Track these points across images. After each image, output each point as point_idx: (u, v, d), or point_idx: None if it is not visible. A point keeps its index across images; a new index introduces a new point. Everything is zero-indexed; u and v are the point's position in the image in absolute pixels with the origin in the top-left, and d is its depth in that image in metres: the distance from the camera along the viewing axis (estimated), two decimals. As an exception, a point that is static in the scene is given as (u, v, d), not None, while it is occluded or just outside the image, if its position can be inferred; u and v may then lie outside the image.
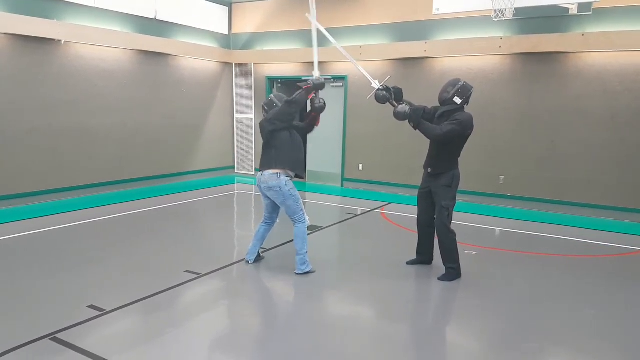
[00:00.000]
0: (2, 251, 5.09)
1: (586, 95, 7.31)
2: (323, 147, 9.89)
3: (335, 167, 9.77)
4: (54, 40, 7.25)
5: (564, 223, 6.99)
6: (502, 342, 3.46)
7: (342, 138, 9.57)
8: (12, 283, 4.21)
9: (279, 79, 10.28)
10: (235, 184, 9.78)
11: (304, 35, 9.66)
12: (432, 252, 4.90)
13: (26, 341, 3.16)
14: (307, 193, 9.09)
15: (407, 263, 4.97)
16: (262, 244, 4.94)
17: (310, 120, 4.92)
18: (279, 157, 4.42)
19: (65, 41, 7.39)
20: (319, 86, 4.47)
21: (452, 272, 4.55)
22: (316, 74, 4.56)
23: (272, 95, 4.79)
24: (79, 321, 3.46)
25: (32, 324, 3.42)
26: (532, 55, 7.58)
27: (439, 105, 4.53)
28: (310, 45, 9.56)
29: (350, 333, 3.55)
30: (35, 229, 5.84)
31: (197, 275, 4.48)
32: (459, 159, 4.57)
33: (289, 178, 4.46)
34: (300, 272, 4.61)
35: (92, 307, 3.70)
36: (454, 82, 4.40)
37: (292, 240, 5.25)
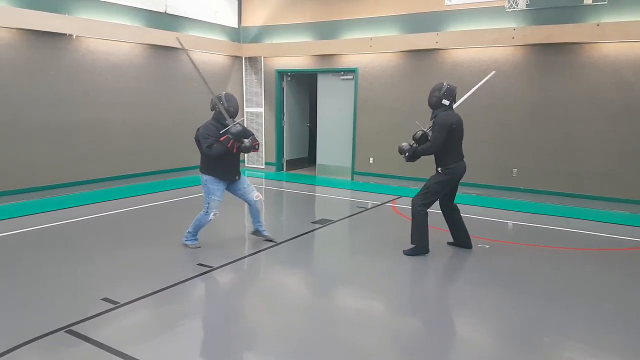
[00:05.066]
0: (18, 244, 5.15)
1: (601, 86, 7.19)
2: (333, 140, 9.85)
3: (346, 161, 9.73)
4: (65, 34, 7.28)
5: (578, 216, 6.90)
6: (517, 336, 3.42)
7: (352, 131, 9.52)
8: (28, 276, 4.24)
9: (289, 72, 10.24)
10: (245, 178, 9.77)
11: (314, 28, 9.60)
12: (466, 236, 5.18)
13: (42, 333, 3.18)
14: (317, 187, 9.07)
15: (448, 243, 5.34)
16: (257, 220, 5.31)
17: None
18: (209, 165, 4.84)
19: (76, 36, 7.41)
20: (237, 135, 4.66)
21: (417, 247, 4.92)
22: (234, 123, 4.72)
23: (223, 93, 4.89)
24: (93, 314, 3.48)
25: (48, 316, 3.45)
26: (546, 46, 7.47)
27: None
28: (321, 37, 9.55)
29: (363, 326, 3.53)
30: (49, 222, 5.90)
31: (209, 269, 4.49)
32: (465, 151, 4.99)
33: (210, 177, 4.86)
34: (184, 242, 5.11)
35: (106, 299, 3.72)
36: (439, 87, 4.79)
37: (301, 235, 5.30)
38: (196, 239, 5.11)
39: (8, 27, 6.65)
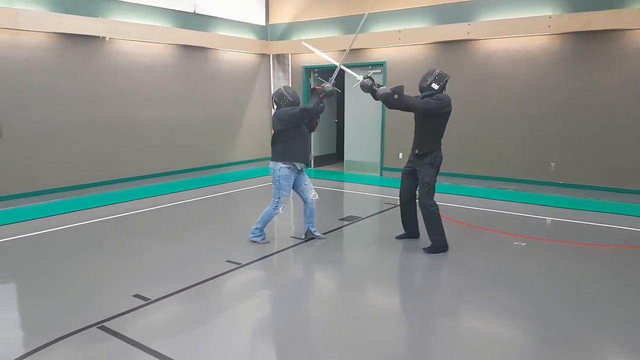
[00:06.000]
0: (54, 242, 5.28)
1: (644, 75, 6.85)
2: (361, 136, 9.75)
3: (374, 156, 9.61)
4: (98, 37, 7.44)
5: (620, 212, 6.58)
6: (554, 337, 3.28)
7: (380, 126, 9.39)
8: (63, 273, 4.34)
9: (316, 68, 10.19)
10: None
11: (341, 22, 9.51)
12: (417, 226, 5.27)
13: (75, 329, 3.24)
14: (345, 183, 9.00)
15: (397, 237, 5.35)
16: (310, 221, 5.28)
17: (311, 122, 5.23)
18: (285, 152, 4.89)
19: (109, 38, 7.57)
20: (330, 94, 4.92)
21: (436, 244, 4.88)
22: (329, 84, 4.94)
23: (282, 88, 5.08)
24: (125, 310, 3.52)
25: (82, 312, 3.51)
26: (584, 34, 7.15)
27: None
28: (348, 32, 9.45)
29: (392, 324, 3.46)
30: (84, 220, 6.03)
31: (238, 265, 4.49)
32: (442, 140, 4.94)
33: (287, 167, 4.91)
34: (251, 238, 5.16)
35: (137, 296, 3.77)
36: (431, 72, 4.86)
37: (328, 232, 5.33)
38: (264, 234, 5.18)
39: (45, 31, 6.85)
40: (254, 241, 5.13)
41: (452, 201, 7.02)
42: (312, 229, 5.31)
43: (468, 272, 4.49)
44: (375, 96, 4.75)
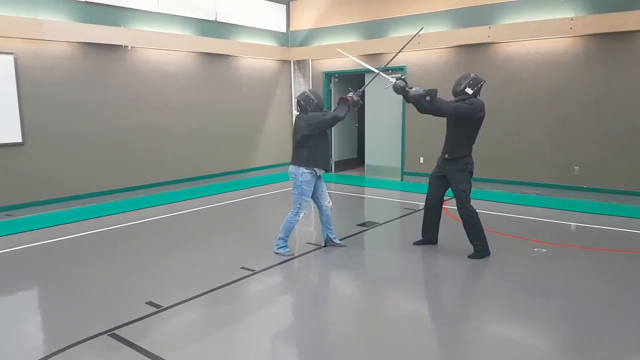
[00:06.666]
0: (73, 248, 5.41)
1: (673, 76, 6.60)
2: (382, 140, 9.69)
3: (395, 161, 9.55)
4: (121, 46, 7.64)
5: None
6: (572, 347, 3.18)
7: (401, 130, 9.33)
8: (76, 280, 4.43)
9: (336, 73, 10.20)
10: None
11: (362, 27, 9.50)
12: (437, 232, 5.20)
13: (86, 337, 3.28)
14: (365, 188, 8.95)
15: (414, 244, 5.28)
16: (327, 227, 5.22)
17: None
18: (310, 157, 4.84)
19: (131, 47, 7.76)
20: (357, 104, 4.96)
21: (480, 249, 4.83)
22: (355, 93, 4.98)
23: (307, 91, 5.02)
24: (137, 317, 3.58)
25: (94, 319, 3.56)
26: (609, 36, 6.95)
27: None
28: (368, 37, 9.42)
29: (411, 330, 3.42)
30: (102, 227, 6.15)
31: (252, 272, 4.52)
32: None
33: (309, 172, 4.85)
34: (275, 250, 5.05)
35: (150, 303, 3.82)
36: (466, 76, 4.79)
37: (344, 239, 5.30)
38: (287, 246, 5.06)
39: (70, 41, 7.07)
40: (279, 253, 5.01)
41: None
42: (332, 236, 5.27)
43: (488, 277, 4.40)
44: (408, 97, 4.66)
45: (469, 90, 4.68)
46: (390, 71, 9.27)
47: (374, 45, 9.19)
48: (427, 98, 4.56)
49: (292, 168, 4.94)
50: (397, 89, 4.73)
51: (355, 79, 10.48)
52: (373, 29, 9.31)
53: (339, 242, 5.32)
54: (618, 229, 5.85)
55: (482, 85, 4.71)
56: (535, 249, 5.10)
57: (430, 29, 8.54)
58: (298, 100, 4.94)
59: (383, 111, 9.57)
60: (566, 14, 7.16)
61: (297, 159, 4.88)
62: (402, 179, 9.47)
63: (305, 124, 4.78)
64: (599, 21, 6.86)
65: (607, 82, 7.11)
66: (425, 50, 8.68)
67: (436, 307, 3.98)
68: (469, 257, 4.85)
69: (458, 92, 4.75)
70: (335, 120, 4.74)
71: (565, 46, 7.36)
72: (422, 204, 7.38)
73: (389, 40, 8.97)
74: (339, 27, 9.81)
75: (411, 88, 4.67)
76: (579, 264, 4.71)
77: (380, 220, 6.45)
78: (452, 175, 4.81)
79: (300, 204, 4.94)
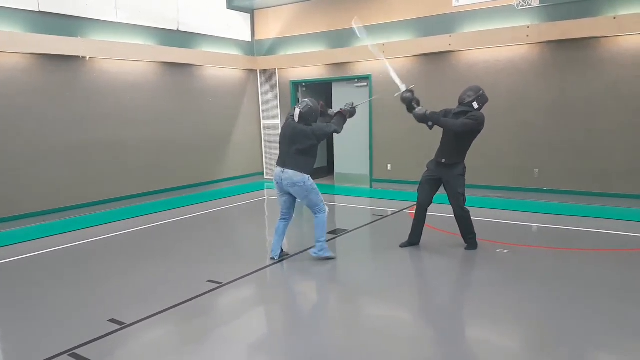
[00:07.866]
0: (31, 266, 5.22)
1: (622, 81, 6.90)
2: (350, 148, 9.75)
3: (364, 169, 9.62)
4: (78, 57, 7.43)
5: (604, 216, 6.61)
6: (537, 344, 3.25)
7: (369, 138, 9.41)
8: (37, 298, 4.27)
9: (303, 82, 10.23)
10: (265, 190, 9.77)
11: (327, 37, 9.57)
12: (421, 234, 5.42)
13: (44, 358, 3.15)
14: (335, 196, 8.98)
15: (401, 246, 5.41)
16: (283, 239, 5.17)
17: None
18: (308, 165, 4.88)
19: (89, 57, 7.56)
20: (351, 113, 5.28)
21: (472, 241, 5.22)
22: (351, 105, 5.30)
23: (307, 100, 4.97)
24: (98, 336, 3.46)
25: (53, 339, 3.44)
26: (562, 43, 7.21)
27: (449, 109, 5.13)
28: (333, 46, 9.49)
29: (385, 335, 3.42)
30: (65, 244, 5.95)
31: (219, 285, 4.44)
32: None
33: (309, 178, 4.92)
34: (315, 255, 5.02)
35: (112, 320, 3.70)
36: (477, 89, 4.98)
37: (311, 248, 5.28)
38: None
39: (23, 52, 6.83)
40: (325, 257, 5.02)
41: (436, 210, 7.00)
42: (284, 249, 5.26)
43: (454, 279, 4.46)
44: (412, 114, 4.98)
45: (476, 105, 4.91)
46: (356, 80, 9.40)
47: (339, 55, 9.27)
48: (430, 124, 4.96)
49: (291, 173, 4.79)
50: (404, 100, 5.01)
51: (322, 88, 10.54)
52: (338, 39, 9.39)
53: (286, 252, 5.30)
54: (578, 228, 6.04)
55: (485, 103, 4.99)
56: (498, 250, 5.22)
57: (393, 38, 8.69)
58: (299, 112, 4.80)
59: (351, 120, 9.57)
60: (523, 22, 7.41)
61: (302, 167, 4.83)
62: (371, 186, 9.54)
63: (312, 133, 4.82)
64: (552, 29, 7.13)
65: (562, 88, 7.38)
66: (389, 59, 8.76)
67: (409, 312, 3.99)
68: (465, 249, 5.22)
69: (464, 103, 4.96)
70: (334, 133, 5.00)
71: (522, 53, 7.61)
72: (391, 210, 7.51)
73: (353, 49, 9.06)
74: (305, 36, 9.86)
75: (418, 103, 5.02)
76: (541, 264, 4.84)
77: (349, 227, 6.47)
78: (451, 179, 5.06)
79: (321, 201, 4.97)
